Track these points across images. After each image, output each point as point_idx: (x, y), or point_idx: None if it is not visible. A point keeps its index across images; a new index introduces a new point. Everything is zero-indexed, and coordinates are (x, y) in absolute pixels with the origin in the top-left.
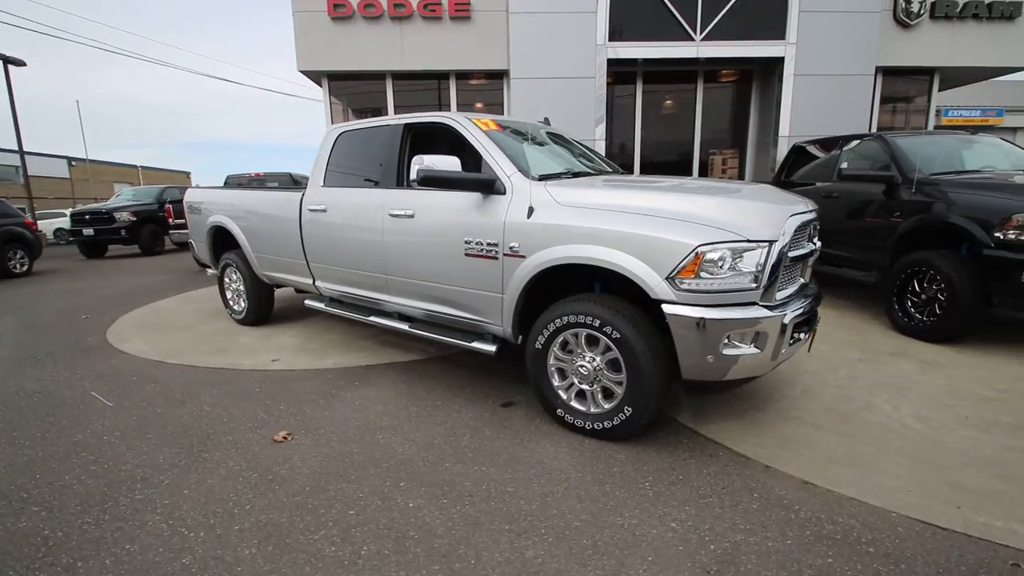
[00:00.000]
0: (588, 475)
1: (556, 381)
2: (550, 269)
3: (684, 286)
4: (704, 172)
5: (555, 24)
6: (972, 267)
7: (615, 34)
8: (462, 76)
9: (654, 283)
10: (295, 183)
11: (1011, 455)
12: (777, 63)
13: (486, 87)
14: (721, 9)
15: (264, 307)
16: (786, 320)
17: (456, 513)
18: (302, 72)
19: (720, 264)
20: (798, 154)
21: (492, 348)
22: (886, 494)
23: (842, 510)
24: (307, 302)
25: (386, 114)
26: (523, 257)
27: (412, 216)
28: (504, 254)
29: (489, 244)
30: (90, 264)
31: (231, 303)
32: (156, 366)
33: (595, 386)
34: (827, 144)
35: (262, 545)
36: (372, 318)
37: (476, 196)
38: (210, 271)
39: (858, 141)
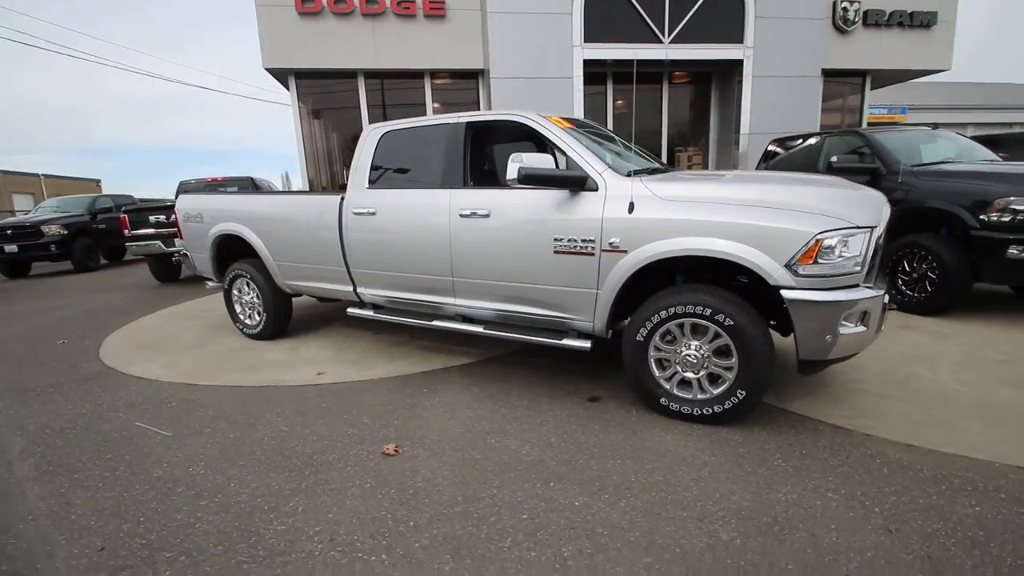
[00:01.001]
0: (721, 458)
1: (657, 371)
2: (653, 263)
3: (803, 272)
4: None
5: (532, 24)
6: (959, 246)
7: (589, 35)
8: (437, 75)
9: (773, 270)
10: (256, 188)
11: None
12: (737, 65)
13: (460, 86)
14: (686, 14)
15: (283, 320)
16: (886, 299)
17: (627, 506)
18: (268, 70)
19: (835, 250)
20: (776, 148)
21: (587, 344)
22: (980, 448)
23: (954, 466)
24: (350, 310)
25: (360, 113)
26: (624, 252)
27: (487, 216)
28: (603, 250)
29: (584, 240)
30: (17, 285)
31: (242, 317)
32: (189, 389)
33: (701, 373)
34: (806, 139)
35: (458, 559)
36: (436, 323)
37: (561, 193)
38: (210, 284)
39: (839, 136)
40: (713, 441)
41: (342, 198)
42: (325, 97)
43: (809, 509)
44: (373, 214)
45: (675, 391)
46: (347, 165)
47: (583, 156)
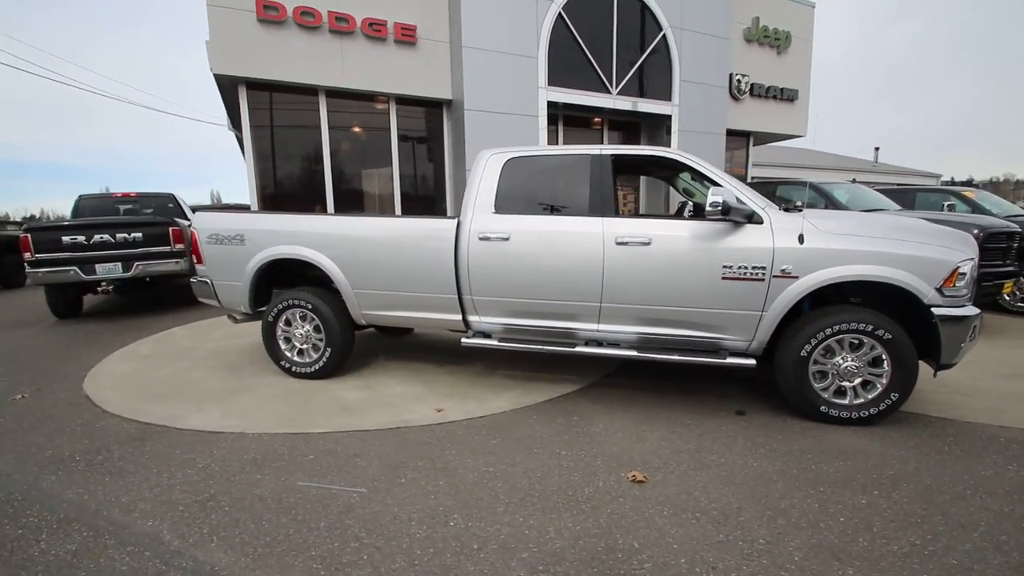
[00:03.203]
0: (898, 449)
1: (816, 383)
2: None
3: (947, 293)
4: None
5: (504, 64)
6: None
7: (552, 80)
8: (403, 101)
9: (928, 292)
10: (179, 206)
11: None
12: (666, 119)
13: (425, 115)
14: (629, 71)
15: (345, 356)
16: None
17: (898, 497)
18: (216, 75)
19: (966, 276)
20: None
21: (752, 362)
22: None
23: None
24: (465, 341)
25: (320, 132)
26: (796, 278)
27: (648, 243)
28: (773, 276)
29: (755, 268)
30: None
31: (290, 354)
32: (302, 439)
33: (856, 381)
34: (757, 188)
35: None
36: (580, 348)
37: (722, 225)
38: (237, 317)
39: (789, 185)
40: (878, 438)
41: (459, 222)
42: (279, 112)
43: (983, 477)
44: (506, 239)
45: (832, 399)
46: (309, 185)
47: (746, 193)
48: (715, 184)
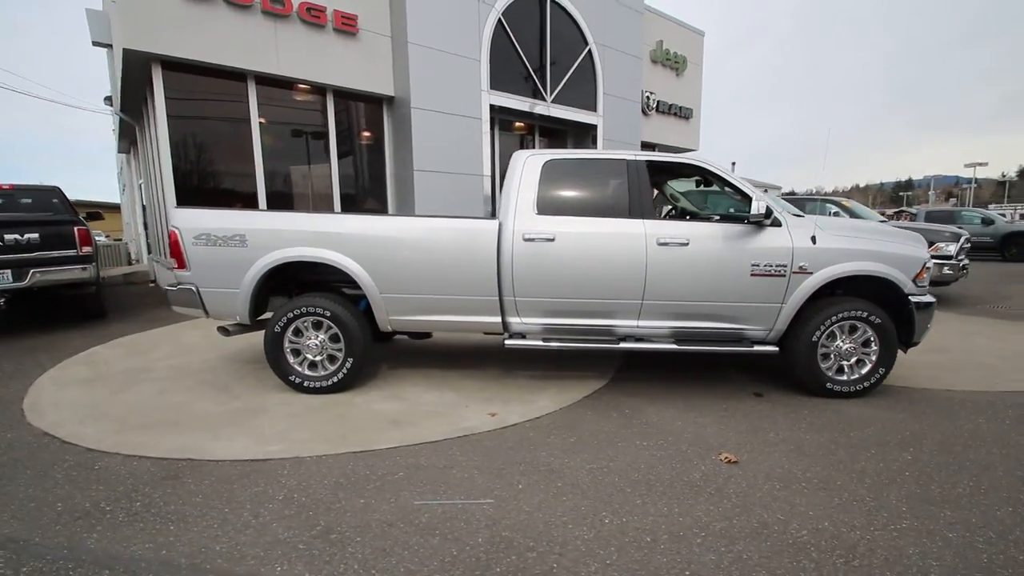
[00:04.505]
0: (895, 413)
1: (822, 363)
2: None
3: (919, 284)
4: None
5: (449, 63)
6: None
7: (493, 84)
8: (341, 95)
9: (907, 283)
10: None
11: None
12: (592, 128)
13: (366, 111)
14: (561, 80)
15: (364, 366)
16: None
17: (951, 461)
18: (128, 50)
19: (930, 270)
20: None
21: (775, 348)
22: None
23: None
24: (509, 343)
25: (248, 121)
26: (809, 273)
27: (686, 244)
28: (792, 272)
29: (778, 265)
30: None
31: (300, 367)
32: (374, 457)
33: (851, 360)
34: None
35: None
36: (624, 345)
37: (748, 227)
38: (230, 328)
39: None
40: (877, 407)
41: (501, 223)
42: (202, 99)
43: (970, 430)
44: (551, 240)
45: (835, 376)
46: (239, 181)
47: (765, 200)
48: (737, 190)
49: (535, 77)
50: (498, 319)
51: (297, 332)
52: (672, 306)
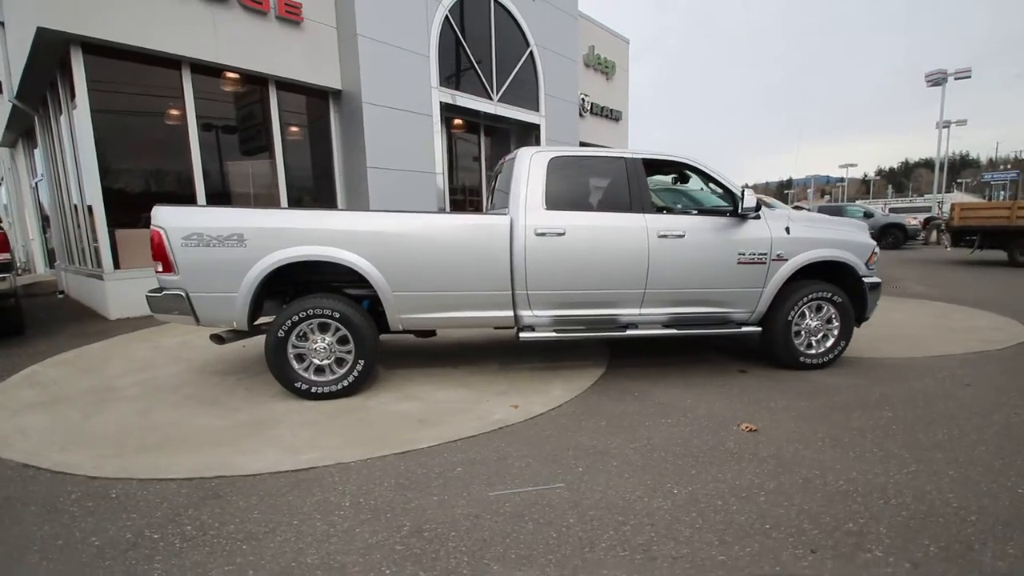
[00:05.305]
0: (858, 380)
1: (797, 340)
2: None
3: (869, 268)
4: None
5: (399, 59)
6: None
7: (442, 81)
8: (285, 87)
9: (861, 267)
10: None
11: None
12: (535, 128)
13: (311, 104)
14: (505, 80)
15: (373, 368)
16: None
17: (925, 415)
18: (43, 29)
19: (877, 255)
20: None
21: (759, 329)
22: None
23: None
24: (524, 336)
25: (184, 112)
26: (785, 260)
27: (683, 236)
28: (772, 259)
29: (760, 254)
30: None
31: (306, 373)
32: (423, 456)
33: (819, 336)
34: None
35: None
36: (630, 332)
37: (732, 219)
38: (224, 335)
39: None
40: (845, 374)
41: (511, 219)
42: (130, 87)
43: (924, 390)
44: (562, 234)
45: (805, 351)
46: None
47: (746, 194)
48: (721, 185)
49: (482, 76)
50: (510, 313)
51: (301, 336)
52: (670, 294)
